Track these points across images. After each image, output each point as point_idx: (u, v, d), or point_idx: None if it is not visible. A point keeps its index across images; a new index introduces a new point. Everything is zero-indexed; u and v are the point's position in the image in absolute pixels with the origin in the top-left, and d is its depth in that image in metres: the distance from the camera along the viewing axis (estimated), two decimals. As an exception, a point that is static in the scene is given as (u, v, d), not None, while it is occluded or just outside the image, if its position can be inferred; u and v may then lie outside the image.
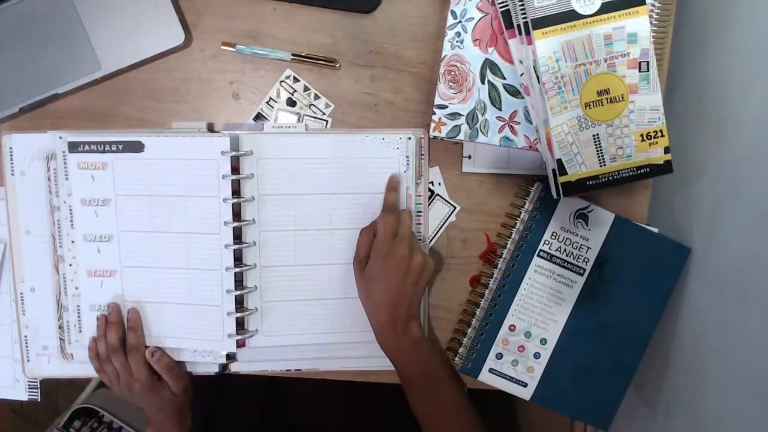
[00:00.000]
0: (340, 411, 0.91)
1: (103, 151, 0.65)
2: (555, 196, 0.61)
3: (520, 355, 0.69)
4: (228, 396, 0.90)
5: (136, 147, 0.65)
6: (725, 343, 0.60)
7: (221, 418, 0.90)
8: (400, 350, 0.64)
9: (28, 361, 0.70)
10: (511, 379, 0.69)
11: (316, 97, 0.69)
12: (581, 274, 0.68)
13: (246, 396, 0.90)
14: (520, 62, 0.61)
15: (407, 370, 0.65)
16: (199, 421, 0.91)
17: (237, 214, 0.66)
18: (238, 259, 0.67)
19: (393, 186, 0.67)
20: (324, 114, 0.69)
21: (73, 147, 0.65)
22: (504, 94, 0.63)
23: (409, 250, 0.62)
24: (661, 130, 0.59)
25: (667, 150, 0.59)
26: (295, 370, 0.70)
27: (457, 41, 0.63)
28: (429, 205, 0.70)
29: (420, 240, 0.69)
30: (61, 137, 0.65)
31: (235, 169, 0.65)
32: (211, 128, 0.69)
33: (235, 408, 0.90)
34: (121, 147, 0.65)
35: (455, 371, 0.69)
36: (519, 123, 0.63)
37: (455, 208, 0.70)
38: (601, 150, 0.59)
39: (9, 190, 0.68)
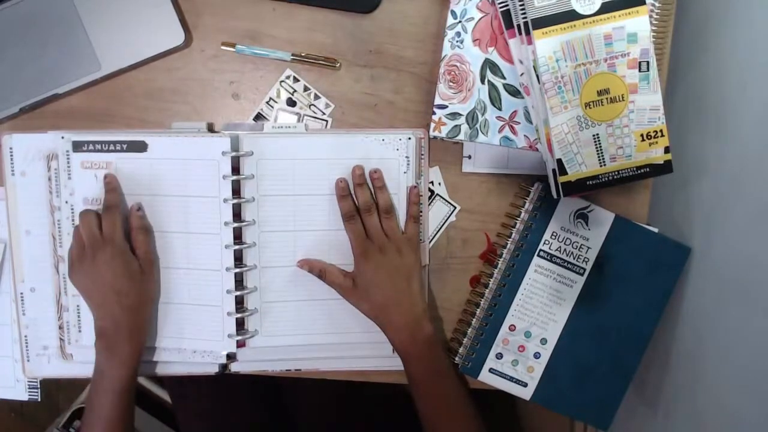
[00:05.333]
0: (340, 411, 0.91)
1: (107, 151, 0.65)
2: (555, 196, 0.61)
3: (520, 355, 0.69)
4: (228, 396, 0.90)
5: (140, 147, 0.65)
6: (725, 343, 0.60)
7: (221, 418, 0.90)
8: (414, 349, 0.64)
9: (28, 361, 0.70)
10: (511, 379, 0.69)
11: (316, 97, 0.69)
12: (581, 274, 0.68)
13: (246, 396, 0.90)
14: (520, 62, 0.61)
15: (418, 368, 0.65)
16: (200, 420, 0.91)
17: (237, 215, 0.66)
18: (238, 259, 0.67)
19: (340, 193, 0.66)
20: (324, 114, 0.69)
21: (77, 146, 0.65)
22: (504, 94, 0.63)
23: (383, 252, 0.64)
24: (661, 130, 0.59)
25: (667, 150, 0.59)
26: (295, 370, 0.71)
27: (457, 41, 0.63)
28: (429, 205, 0.70)
29: (420, 240, 0.68)
30: (63, 137, 0.65)
31: (236, 170, 0.65)
32: (211, 128, 0.69)
33: (235, 408, 0.90)
34: (125, 146, 0.65)
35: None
36: (519, 123, 0.63)
37: (455, 208, 0.70)
38: (601, 150, 0.59)
39: (9, 190, 0.68)
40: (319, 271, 0.66)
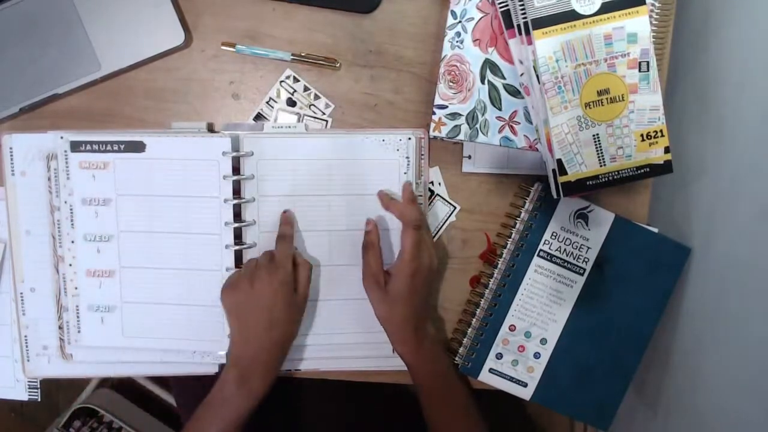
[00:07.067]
0: (340, 411, 0.91)
1: (105, 151, 0.65)
2: (555, 196, 0.61)
3: (520, 355, 0.69)
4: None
5: (138, 147, 0.65)
6: (725, 342, 0.60)
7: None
8: (420, 355, 0.64)
9: (28, 361, 0.70)
10: (511, 379, 0.69)
11: (316, 97, 0.69)
12: (581, 274, 0.68)
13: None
14: (520, 62, 0.61)
15: (426, 373, 0.64)
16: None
17: (237, 215, 0.66)
18: (239, 259, 0.67)
19: (412, 198, 0.65)
20: (324, 114, 0.69)
21: (75, 146, 0.65)
22: (504, 94, 0.63)
23: (430, 262, 0.63)
24: (661, 130, 0.59)
25: (667, 150, 0.59)
26: (295, 370, 0.71)
27: (457, 41, 0.63)
28: (429, 205, 0.70)
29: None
30: (62, 137, 0.65)
31: (236, 170, 0.65)
32: (211, 128, 0.69)
33: None
34: (122, 147, 0.65)
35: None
36: (519, 123, 0.63)
37: (455, 208, 0.70)
38: (601, 150, 0.59)
39: (9, 190, 0.68)
40: (369, 243, 0.64)
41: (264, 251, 0.63)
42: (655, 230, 0.68)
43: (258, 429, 0.91)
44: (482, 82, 0.63)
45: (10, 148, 0.68)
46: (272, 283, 0.59)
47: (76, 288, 0.67)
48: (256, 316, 0.60)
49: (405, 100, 0.69)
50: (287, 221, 0.66)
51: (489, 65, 0.63)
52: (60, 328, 0.69)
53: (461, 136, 0.63)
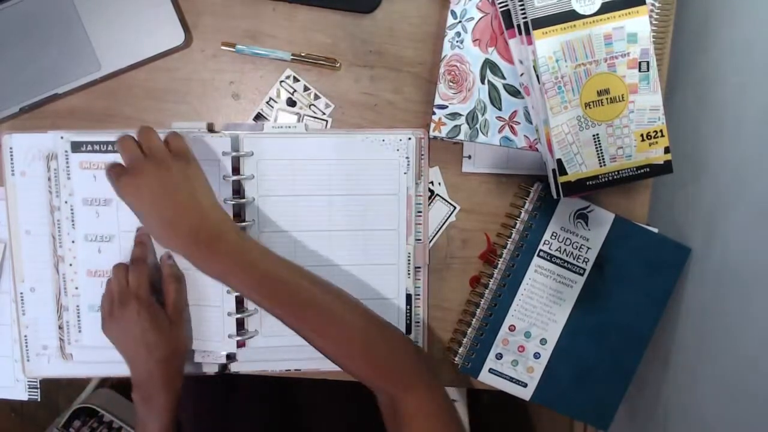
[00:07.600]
0: (340, 411, 0.91)
1: (106, 151, 0.65)
2: (555, 196, 0.61)
3: (520, 355, 0.69)
4: (232, 395, 0.90)
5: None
6: (725, 343, 0.60)
7: (227, 419, 0.90)
8: (227, 263, 0.56)
9: (28, 361, 0.70)
10: (511, 379, 0.69)
11: (316, 97, 0.69)
12: (581, 274, 0.68)
13: (253, 396, 0.90)
14: (520, 62, 0.61)
15: (249, 283, 0.57)
16: (206, 421, 0.91)
17: (237, 215, 0.66)
18: (238, 259, 0.67)
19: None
20: (324, 114, 0.69)
21: (76, 147, 0.65)
22: (504, 94, 0.63)
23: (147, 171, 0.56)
24: (661, 130, 0.59)
25: (667, 150, 0.59)
26: (295, 370, 0.71)
27: (457, 41, 0.63)
28: (429, 205, 0.70)
29: (419, 240, 0.69)
30: (63, 137, 0.65)
31: (236, 170, 0.65)
32: (211, 128, 0.69)
33: (242, 408, 0.90)
34: (121, 147, 0.65)
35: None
36: (519, 123, 0.63)
37: (455, 208, 0.70)
38: (601, 150, 0.59)
39: (9, 190, 0.68)
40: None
41: (115, 277, 0.63)
42: (655, 230, 0.68)
43: (259, 429, 0.91)
44: (482, 82, 0.63)
45: (10, 148, 0.68)
46: (131, 315, 0.61)
47: (76, 288, 0.67)
48: (132, 347, 0.62)
49: (405, 100, 0.69)
50: (140, 241, 0.66)
51: (489, 65, 0.63)
52: (60, 328, 0.69)
53: (461, 136, 0.63)
